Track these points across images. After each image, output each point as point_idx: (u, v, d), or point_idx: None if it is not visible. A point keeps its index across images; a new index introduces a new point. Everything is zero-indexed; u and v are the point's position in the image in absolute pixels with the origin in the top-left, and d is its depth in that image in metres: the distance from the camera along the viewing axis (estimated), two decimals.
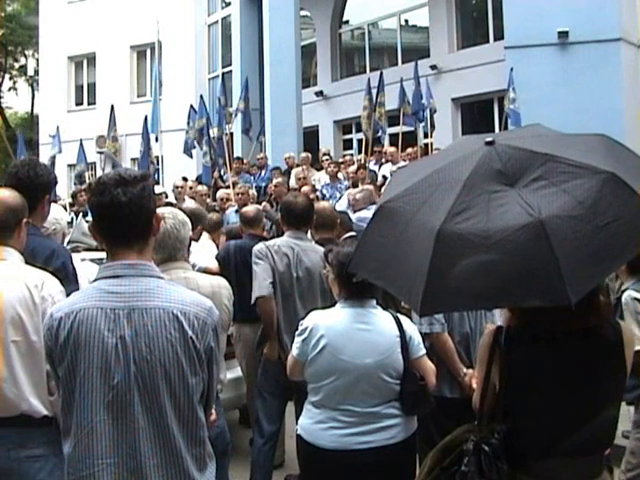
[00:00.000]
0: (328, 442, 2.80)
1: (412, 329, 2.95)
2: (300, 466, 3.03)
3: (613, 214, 1.74)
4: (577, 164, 1.83)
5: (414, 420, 2.92)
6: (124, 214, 1.91)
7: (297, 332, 2.93)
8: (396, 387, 2.85)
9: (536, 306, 1.78)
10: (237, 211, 8.02)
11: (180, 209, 3.55)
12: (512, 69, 11.33)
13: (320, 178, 10.72)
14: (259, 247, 4.07)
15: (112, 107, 13.21)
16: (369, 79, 12.52)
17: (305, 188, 9.02)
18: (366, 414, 2.80)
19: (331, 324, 2.86)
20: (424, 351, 2.97)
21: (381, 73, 12.20)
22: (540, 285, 1.68)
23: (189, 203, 6.28)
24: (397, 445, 2.80)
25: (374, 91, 11.89)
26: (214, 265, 5.02)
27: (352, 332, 2.83)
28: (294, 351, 2.94)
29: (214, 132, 12.36)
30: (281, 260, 3.98)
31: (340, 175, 10.40)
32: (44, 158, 14.70)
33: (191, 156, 13.52)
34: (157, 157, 13.32)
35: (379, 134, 12.12)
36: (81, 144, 13.91)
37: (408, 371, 2.86)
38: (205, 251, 5.29)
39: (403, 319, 2.95)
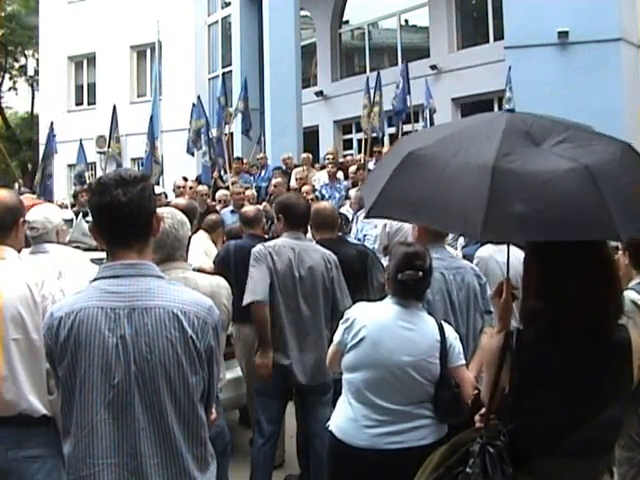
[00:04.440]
0: (360, 440, 2.78)
1: (454, 337, 2.93)
2: (328, 464, 2.99)
3: (636, 177, 1.88)
4: (595, 132, 1.98)
5: (445, 424, 2.89)
6: (124, 214, 1.91)
7: (341, 321, 2.96)
8: (430, 389, 2.84)
9: (591, 239, 1.87)
10: (233, 211, 8.05)
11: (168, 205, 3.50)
12: (510, 68, 11.32)
13: (319, 178, 10.72)
14: (258, 249, 3.99)
15: (114, 107, 13.15)
16: (368, 79, 12.51)
17: (305, 188, 9.04)
18: (398, 412, 2.78)
19: (374, 317, 2.87)
20: (464, 361, 2.95)
21: (378, 73, 12.19)
22: (593, 221, 1.78)
23: (179, 200, 6.25)
24: (428, 447, 2.73)
25: (372, 91, 11.89)
26: (208, 265, 5.02)
27: (393, 328, 2.83)
28: (336, 339, 2.96)
29: (213, 132, 12.36)
30: (282, 261, 3.92)
31: (340, 175, 10.40)
32: None
33: (194, 155, 13.50)
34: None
35: (375, 134, 12.10)
36: (81, 144, 13.88)
37: (444, 377, 2.84)
38: (199, 249, 5.27)
39: (446, 326, 2.94)
